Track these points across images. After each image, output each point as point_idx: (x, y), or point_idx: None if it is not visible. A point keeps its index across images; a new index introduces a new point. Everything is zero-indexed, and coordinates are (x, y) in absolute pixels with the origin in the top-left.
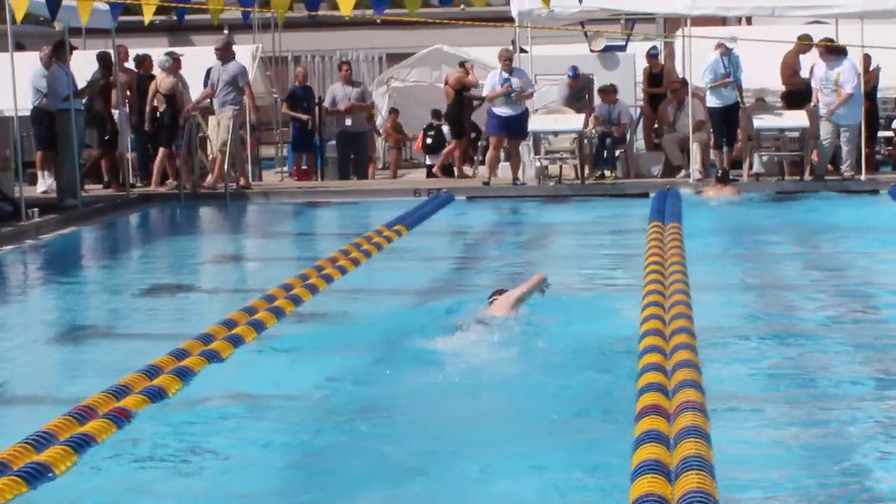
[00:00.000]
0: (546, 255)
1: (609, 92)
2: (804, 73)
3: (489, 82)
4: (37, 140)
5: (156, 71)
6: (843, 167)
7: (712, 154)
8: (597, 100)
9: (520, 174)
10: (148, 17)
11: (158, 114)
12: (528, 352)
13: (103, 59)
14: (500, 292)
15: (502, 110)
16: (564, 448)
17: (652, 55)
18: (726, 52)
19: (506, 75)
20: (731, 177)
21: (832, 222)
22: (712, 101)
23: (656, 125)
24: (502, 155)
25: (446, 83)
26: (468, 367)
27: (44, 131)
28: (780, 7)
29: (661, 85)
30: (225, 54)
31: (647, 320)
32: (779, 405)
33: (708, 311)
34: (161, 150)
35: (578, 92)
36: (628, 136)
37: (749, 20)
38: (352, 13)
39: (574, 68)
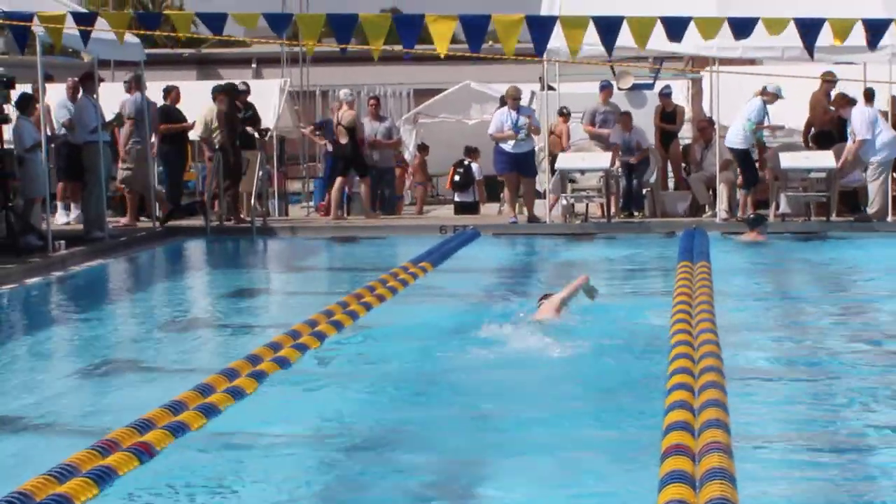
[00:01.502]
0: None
1: (626, 119)
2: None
3: (496, 121)
4: (58, 172)
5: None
6: (870, 207)
7: (738, 194)
8: (614, 132)
9: (545, 212)
10: (183, 31)
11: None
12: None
13: (225, 91)
14: (547, 296)
15: (509, 147)
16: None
17: (665, 94)
18: (772, 101)
19: (514, 114)
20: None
21: (859, 263)
22: (740, 143)
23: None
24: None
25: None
26: (517, 373)
27: (65, 163)
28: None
29: (674, 123)
30: None
31: (677, 359)
32: (806, 448)
33: (736, 351)
34: (339, 180)
35: (609, 112)
36: (652, 169)
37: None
38: (381, 48)
39: (606, 81)
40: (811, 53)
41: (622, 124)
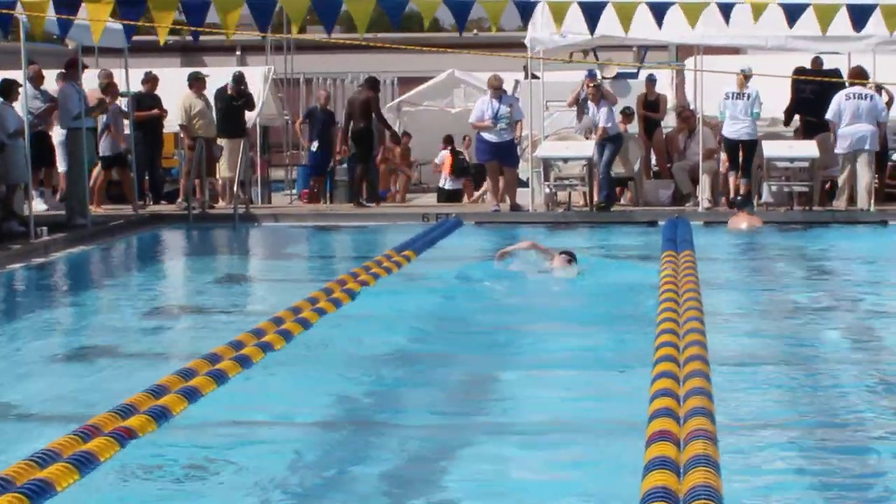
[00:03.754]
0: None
1: (596, 92)
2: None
3: (477, 109)
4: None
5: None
6: (835, 199)
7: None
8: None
9: (528, 201)
10: (163, 38)
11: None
12: None
13: (370, 80)
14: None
15: (490, 136)
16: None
17: (649, 80)
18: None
19: (496, 103)
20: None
21: (842, 252)
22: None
23: (667, 153)
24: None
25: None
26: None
27: (36, 150)
28: (792, 38)
29: (658, 111)
30: None
31: (661, 347)
32: (791, 433)
33: (720, 338)
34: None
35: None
36: (635, 157)
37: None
38: (365, 36)
39: (591, 70)
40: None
41: (592, 96)
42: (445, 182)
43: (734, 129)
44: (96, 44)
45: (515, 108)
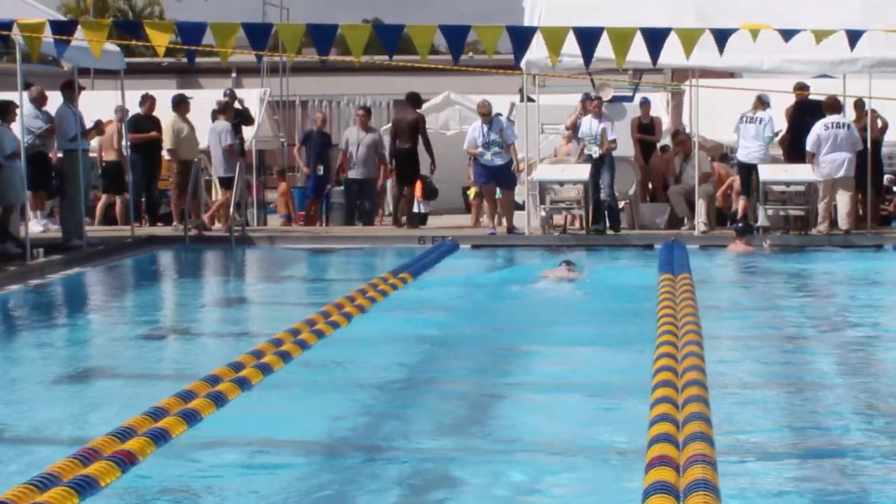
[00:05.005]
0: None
1: (597, 105)
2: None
3: (469, 135)
4: (28, 181)
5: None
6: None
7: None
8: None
9: (524, 223)
10: (161, 51)
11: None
12: None
13: (412, 97)
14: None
15: (485, 161)
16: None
17: (643, 104)
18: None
19: (486, 128)
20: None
21: (839, 276)
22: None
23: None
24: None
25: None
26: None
27: (36, 172)
28: (787, 60)
29: (654, 134)
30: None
31: (660, 371)
32: (791, 458)
33: (719, 362)
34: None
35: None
36: (630, 180)
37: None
38: (361, 59)
39: (587, 94)
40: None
41: (594, 110)
42: (418, 206)
43: (745, 152)
44: (98, 62)
45: (506, 132)
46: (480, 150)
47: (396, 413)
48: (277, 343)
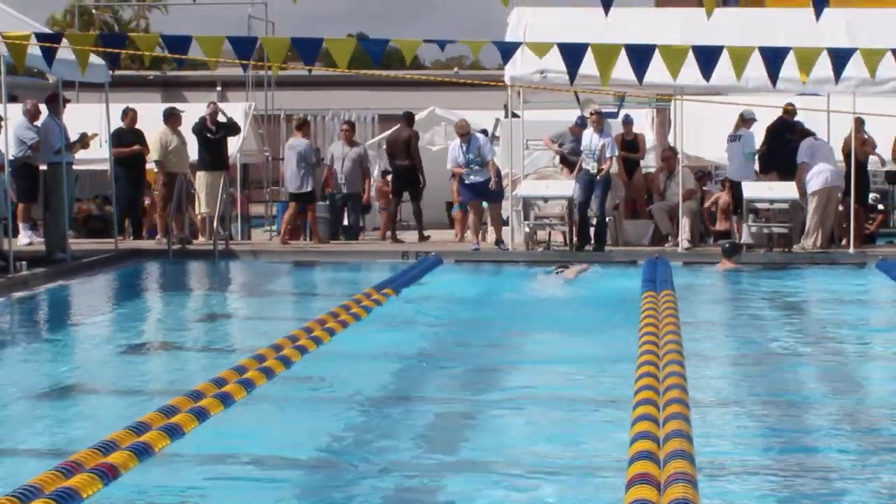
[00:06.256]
0: (530, 320)
1: (598, 119)
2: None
3: (450, 155)
4: (18, 193)
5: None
6: (804, 237)
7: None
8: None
9: (509, 239)
10: (148, 60)
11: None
12: None
13: (407, 116)
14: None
15: (471, 179)
16: None
17: (625, 122)
18: (751, 125)
19: (465, 147)
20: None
21: (821, 294)
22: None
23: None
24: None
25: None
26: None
27: (25, 184)
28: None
29: (637, 151)
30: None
31: (641, 391)
32: (771, 476)
33: (701, 379)
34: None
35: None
36: (614, 197)
37: None
38: (347, 70)
39: (582, 117)
40: (774, 82)
41: (594, 124)
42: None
43: (730, 170)
44: (83, 76)
45: (483, 150)
46: (466, 170)
47: (377, 428)
48: (260, 359)
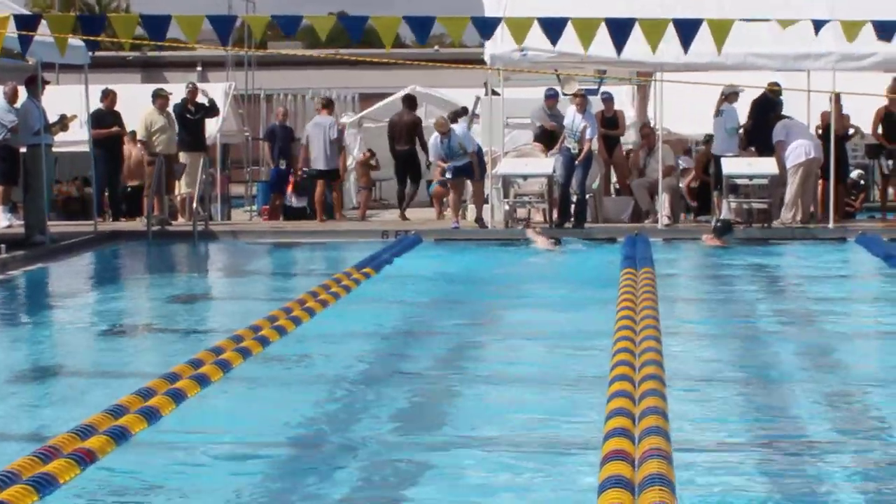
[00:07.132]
0: (513, 297)
1: (582, 102)
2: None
3: (432, 149)
4: None
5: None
6: (783, 210)
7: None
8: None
9: (488, 216)
10: (127, 46)
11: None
12: None
13: (408, 99)
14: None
15: (453, 164)
16: None
17: (605, 98)
18: (735, 100)
19: (446, 141)
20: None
21: (801, 269)
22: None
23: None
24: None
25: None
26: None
27: (5, 166)
28: (752, 55)
29: (617, 128)
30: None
31: (617, 366)
32: (747, 452)
33: (678, 356)
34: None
35: (557, 115)
36: (595, 174)
37: None
38: (326, 53)
39: (552, 88)
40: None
41: (578, 105)
42: (291, 200)
43: (714, 145)
44: (62, 58)
45: (465, 142)
46: (448, 164)
47: (357, 407)
48: (237, 339)
